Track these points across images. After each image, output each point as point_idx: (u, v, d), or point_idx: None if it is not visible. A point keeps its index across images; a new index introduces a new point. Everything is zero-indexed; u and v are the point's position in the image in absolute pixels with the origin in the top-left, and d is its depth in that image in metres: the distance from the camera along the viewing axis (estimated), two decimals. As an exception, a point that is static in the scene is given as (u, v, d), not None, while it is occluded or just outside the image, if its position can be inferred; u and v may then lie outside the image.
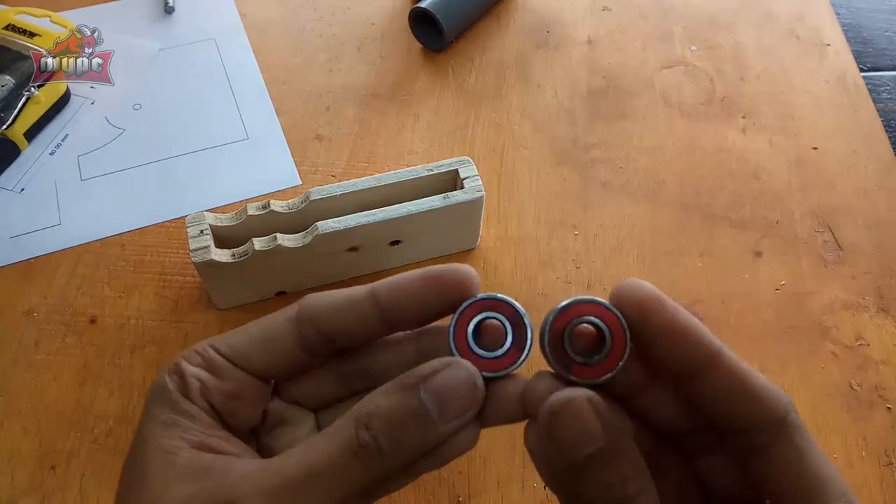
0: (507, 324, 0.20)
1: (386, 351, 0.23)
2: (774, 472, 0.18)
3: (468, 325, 0.20)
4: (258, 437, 0.22)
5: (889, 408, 0.37)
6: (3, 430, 0.35)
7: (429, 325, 0.22)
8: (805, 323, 0.40)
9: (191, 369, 0.21)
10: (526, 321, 0.20)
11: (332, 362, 0.23)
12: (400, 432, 0.19)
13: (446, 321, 0.21)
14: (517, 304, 0.21)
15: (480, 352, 0.20)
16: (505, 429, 0.36)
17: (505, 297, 0.21)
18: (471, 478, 0.34)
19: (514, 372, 0.21)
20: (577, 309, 0.20)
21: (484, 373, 0.20)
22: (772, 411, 0.19)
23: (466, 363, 0.20)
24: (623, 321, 0.19)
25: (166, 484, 0.19)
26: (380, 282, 0.21)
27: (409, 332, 0.23)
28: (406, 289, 0.20)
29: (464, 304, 0.20)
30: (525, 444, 0.19)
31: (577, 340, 0.20)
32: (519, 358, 0.20)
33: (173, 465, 0.19)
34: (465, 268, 0.20)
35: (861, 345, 0.39)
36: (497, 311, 0.21)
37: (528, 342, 0.20)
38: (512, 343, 0.20)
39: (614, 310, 0.19)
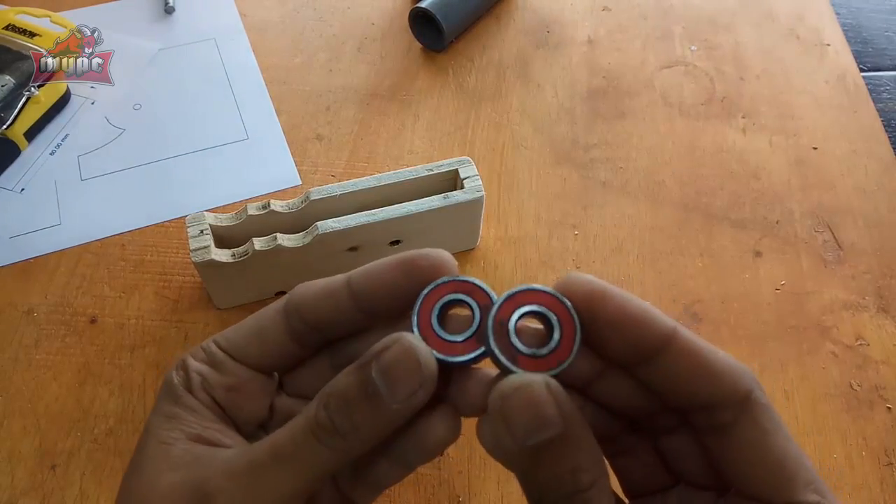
0: (477, 309, 0.19)
1: (375, 338, 0.22)
2: (738, 453, 0.18)
3: (433, 306, 0.19)
4: (268, 432, 0.23)
5: (889, 408, 0.37)
6: (3, 429, 0.35)
7: None
8: (805, 323, 0.40)
9: (194, 364, 0.21)
10: (571, 314, 0.19)
11: (329, 352, 0.23)
12: (352, 410, 0.18)
13: None
14: (487, 288, 0.20)
15: (445, 335, 0.19)
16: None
17: (475, 280, 0.20)
18: (471, 477, 0.34)
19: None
20: (522, 298, 0.19)
21: (443, 356, 0.19)
22: (732, 388, 0.18)
23: (411, 338, 0.18)
24: (572, 310, 0.18)
25: (159, 472, 0.19)
26: (356, 269, 0.21)
27: (398, 319, 0.22)
28: (379, 275, 0.20)
29: (431, 285, 0.19)
30: (476, 431, 0.19)
31: (524, 332, 0.19)
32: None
33: (168, 455, 0.20)
34: (439, 252, 0.20)
35: (861, 345, 0.39)
36: (468, 295, 0.20)
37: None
38: (478, 328, 0.19)
39: (563, 298, 0.19)
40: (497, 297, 0.19)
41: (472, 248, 0.42)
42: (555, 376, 0.18)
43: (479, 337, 0.19)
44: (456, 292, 0.19)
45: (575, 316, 0.19)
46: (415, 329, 0.19)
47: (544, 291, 0.19)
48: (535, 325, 0.19)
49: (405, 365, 0.18)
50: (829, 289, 0.41)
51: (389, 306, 0.20)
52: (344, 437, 0.18)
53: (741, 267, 0.42)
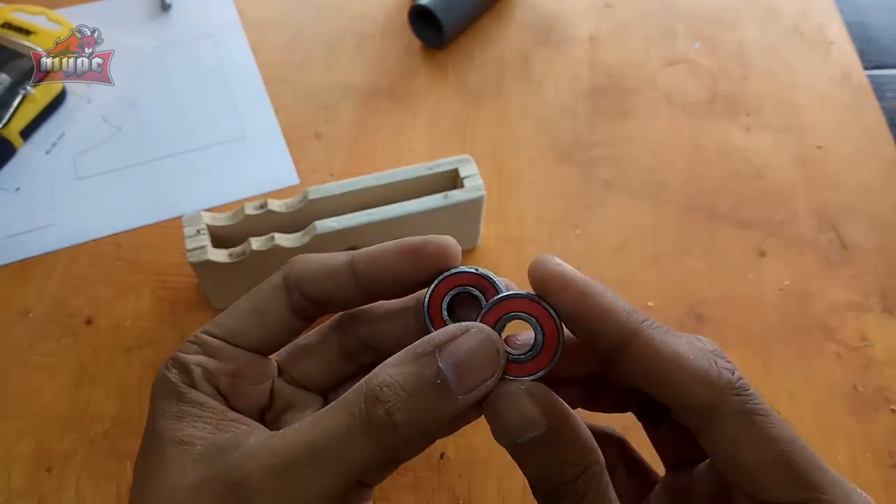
0: (484, 299, 0.20)
1: (387, 322, 0.22)
2: (713, 455, 0.18)
3: (444, 297, 0.20)
4: (267, 423, 0.22)
5: (893, 409, 0.36)
6: (-2, 432, 0.35)
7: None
8: (809, 323, 0.39)
9: (191, 358, 0.21)
10: (553, 317, 0.19)
11: (336, 337, 0.22)
12: (416, 404, 0.17)
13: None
14: (495, 279, 0.20)
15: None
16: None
17: (484, 271, 0.20)
18: (471, 481, 0.34)
19: None
20: (506, 305, 0.19)
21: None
22: (696, 399, 0.17)
23: (486, 328, 0.18)
24: (554, 314, 0.19)
25: (183, 472, 0.19)
26: (360, 251, 0.21)
27: (408, 299, 0.22)
28: (384, 260, 0.20)
29: (441, 276, 0.20)
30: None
31: (508, 339, 0.20)
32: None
33: (189, 453, 0.19)
34: (444, 239, 0.20)
35: (865, 345, 0.39)
36: (476, 286, 0.20)
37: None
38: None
39: (543, 303, 0.19)
40: (502, 286, 0.20)
41: (473, 248, 0.42)
42: (540, 378, 0.19)
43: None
44: (466, 285, 0.20)
45: (556, 319, 0.19)
46: (428, 321, 0.20)
47: (524, 297, 0.19)
48: (526, 331, 0.20)
49: (479, 354, 0.18)
50: (833, 289, 0.41)
51: (393, 290, 0.21)
52: (396, 431, 0.17)
53: (745, 267, 0.41)
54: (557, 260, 0.19)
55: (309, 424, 0.18)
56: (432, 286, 0.20)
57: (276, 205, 0.37)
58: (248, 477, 0.18)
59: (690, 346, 0.18)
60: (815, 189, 0.45)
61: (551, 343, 0.19)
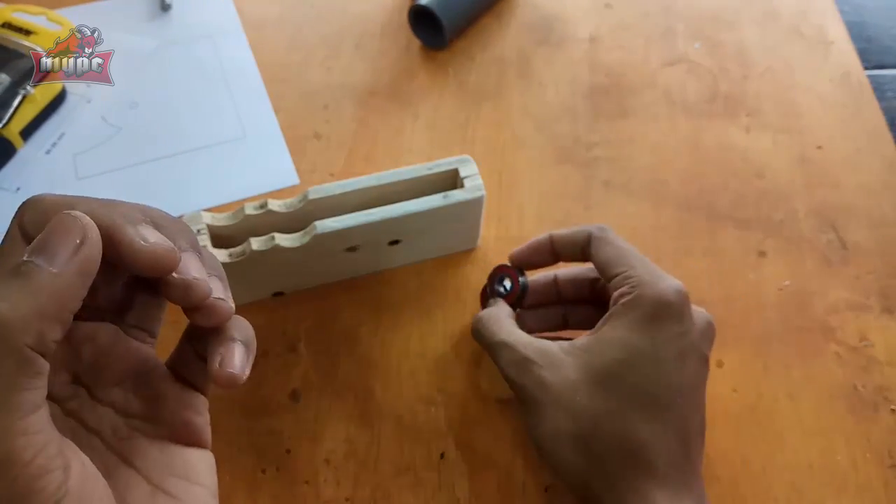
0: (511, 279, 0.37)
1: None
2: (596, 267, 0.34)
3: (496, 277, 0.37)
4: None
5: (893, 409, 0.36)
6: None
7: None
8: (809, 323, 0.39)
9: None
10: (521, 278, 0.36)
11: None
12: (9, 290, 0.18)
13: None
14: (515, 270, 0.37)
15: (502, 290, 0.36)
16: (507, 433, 0.36)
17: (513, 266, 0.37)
18: (471, 481, 0.34)
19: None
20: (497, 270, 0.37)
21: (505, 301, 0.36)
22: (581, 241, 0.34)
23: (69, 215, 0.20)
24: (518, 273, 0.36)
25: None
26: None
27: None
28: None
29: (494, 269, 0.37)
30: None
31: (498, 285, 0.37)
32: (517, 291, 0.36)
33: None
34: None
35: (865, 345, 0.39)
36: (510, 273, 0.37)
37: (521, 284, 0.36)
38: (512, 286, 0.36)
39: (513, 269, 0.37)
40: (523, 276, 0.36)
41: (473, 248, 0.42)
42: (515, 303, 0.36)
43: (514, 288, 0.37)
44: (504, 272, 0.37)
45: (519, 275, 0.36)
46: (495, 290, 0.37)
47: (505, 266, 0.37)
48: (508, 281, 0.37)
49: (61, 227, 0.19)
50: (833, 289, 0.41)
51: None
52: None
53: (745, 267, 0.41)
54: (528, 242, 0.36)
55: None
56: (491, 274, 0.37)
57: (276, 205, 0.37)
58: None
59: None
60: (815, 189, 0.45)
61: (515, 286, 0.36)
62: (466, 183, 0.38)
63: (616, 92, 0.50)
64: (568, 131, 0.48)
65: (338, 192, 0.37)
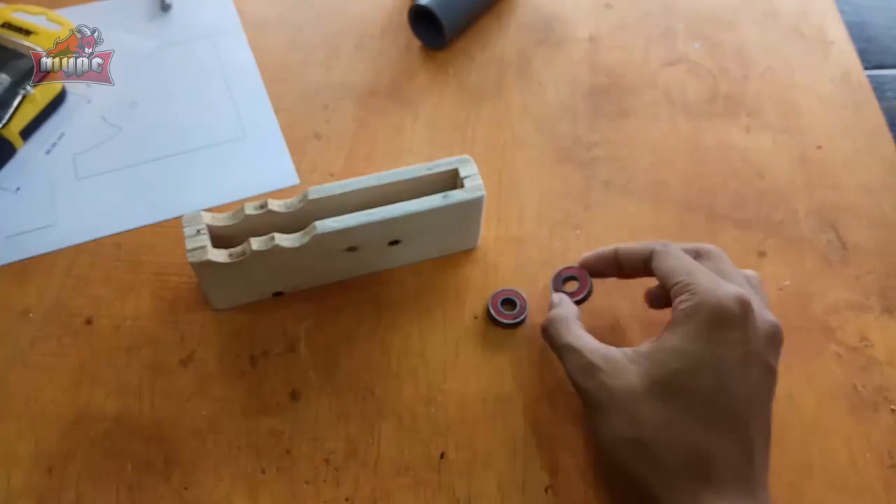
0: (580, 279, 0.38)
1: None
2: (657, 277, 0.34)
3: (561, 278, 0.38)
4: None
5: (893, 409, 0.36)
6: (-2, 432, 0.35)
7: None
8: (809, 323, 0.39)
9: None
10: (587, 280, 0.38)
11: None
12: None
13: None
14: (586, 273, 0.38)
15: (568, 291, 0.38)
16: (506, 432, 0.36)
17: (579, 267, 0.38)
18: (471, 481, 0.34)
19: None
20: (565, 270, 0.39)
21: (573, 298, 0.37)
22: (644, 256, 0.35)
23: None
24: (586, 273, 0.38)
25: None
26: None
27: None
28: None
29: (559, 270, 0.39)
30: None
31: (566, 284, 0.39)
32: (584, 293, 0.38)
33: None
34: None
35: (865, 345, 0.39)
36: (577, 273, 0.38)
37: (588, 286, 0.38)
38: (580, 286, 0.38)
39: (580, 269, 0.38)
40: (588, 277, 0.38)
41: (473, 248, 0.42)
42: (579, 301, 0.37)
43: (582, 289, 0.38)
44: (571, 272, 0.38)
45: (588, 276, 0.38)
46: (553, 288, 0.39)
47: (573, 266, 0.39)
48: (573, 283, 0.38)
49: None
50: (833, 289, 0.41)
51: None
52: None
53: (745, 267, 0.41)
54: (595, 251, 0.38)
55: None
56: (555, 274, 0.39)
57: (276, 205, 0.37)
58: None
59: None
60: (815, 189, 0.45)
61: (584, 285, 0.38)
62: (466, 183, 0.38)
63: (616, 92, 0.50)
64: (568, 131, 0.48)
65: (338, 192, 0.37)
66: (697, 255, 0.35)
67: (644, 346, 0.32)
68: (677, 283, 0.32)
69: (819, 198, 0.45)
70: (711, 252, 0.34)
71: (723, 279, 0.32)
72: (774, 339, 0.32)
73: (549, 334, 0.35)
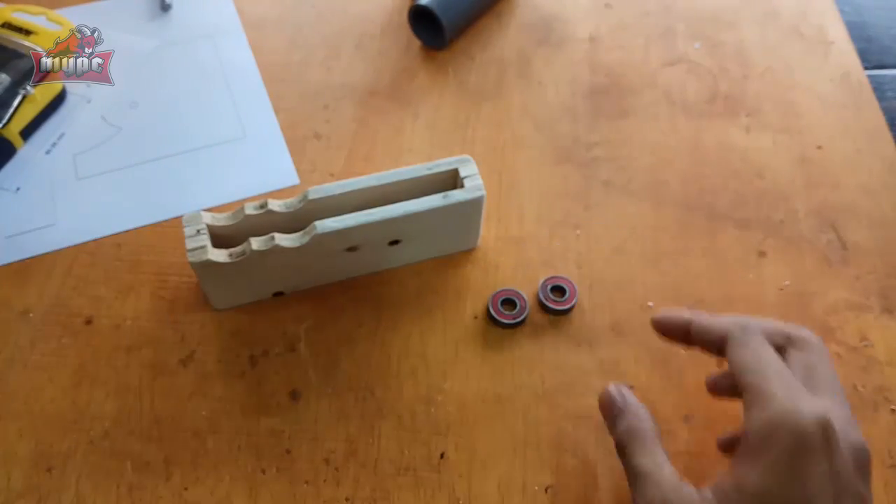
0: (569, 288, 0.39)
1: None
2: (730, 366, 0.30)
3: (548, 287, 0.39)
4: None
5: (893, 409, 0.36)
6: (-2, 432, 0.35)
7: None
8: (809, 324, 0.39)
9: None
10: (575, 287, 0.39)
11: None
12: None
13: None
14: (573, 284, 0.40)
15: (555, 299, 0.39)
16: (506, 432, 0.36)
17: (569, 279, 0.40)
18: (471, 481, 0.34)
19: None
20: (550, 280, 0.40)
21: (555, 307, 0.39)
22: (718, 338, 0.31)
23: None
24: (573, 284, 0.39)
25: None
26: None
27: None
28: None
29: (545, 279, 0.40)
30: None
31: (553, 292, 0.39)
32: (572, 301, 0.39)
33: None
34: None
35: (865, 345, 0.38)
36: (564, 283, 0.40)
37: (575, 294, 0.39)
38: (569, 295, 0.39)
39: (568, 279, 0.40)
40: (574, 284, 0.40)
41: (473, 248, 0.42)
42: (558, 313, 0.39)
43: (571, 298, 0.39)
44: (557, 282, 0.40)
45: (574, 285, 0.39)
46: (541, 299, 0.39)
47: (560, 277, 0.40)
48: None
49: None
50: (833, 289, 0.41)
51: None
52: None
53: (745, 267, 0.41)
54: (669, 313, 0.33)
55: None
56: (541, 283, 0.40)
57: (276, 205, 0.37)
58: None
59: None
60: (815, 189, 0.45)
61: (571, 294, 0.39)
62: (466, 183, 0.38)
63: (616, 92, 0.50)
64: (568, 131, 0.48)
65: (338, 192, 0.37)
66: (788, 340, 0.30)
67: (723, 485, 0.27)
68: (748, 386, 0.28)
69: (819, 198, 0.45)
70: (806, 342, 0.30)
71: (809, 380, 0.28)
72: (864, 463, 0.28)
73: (624, 449, 0.30)
